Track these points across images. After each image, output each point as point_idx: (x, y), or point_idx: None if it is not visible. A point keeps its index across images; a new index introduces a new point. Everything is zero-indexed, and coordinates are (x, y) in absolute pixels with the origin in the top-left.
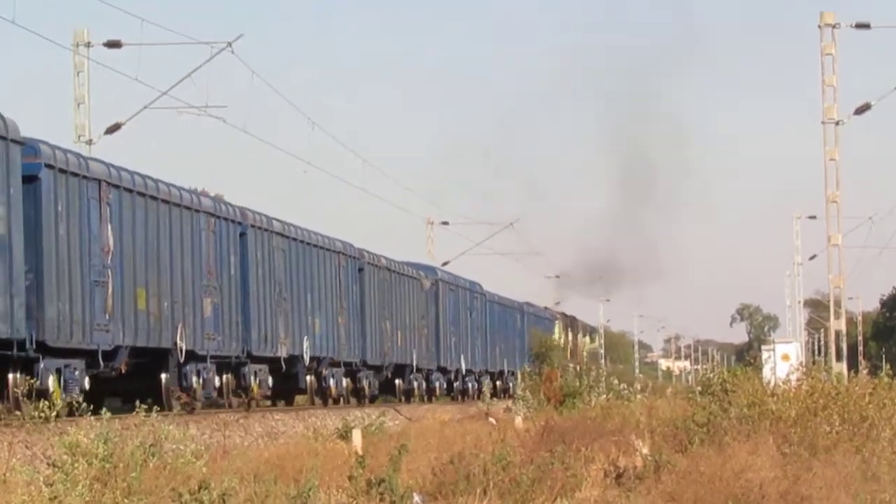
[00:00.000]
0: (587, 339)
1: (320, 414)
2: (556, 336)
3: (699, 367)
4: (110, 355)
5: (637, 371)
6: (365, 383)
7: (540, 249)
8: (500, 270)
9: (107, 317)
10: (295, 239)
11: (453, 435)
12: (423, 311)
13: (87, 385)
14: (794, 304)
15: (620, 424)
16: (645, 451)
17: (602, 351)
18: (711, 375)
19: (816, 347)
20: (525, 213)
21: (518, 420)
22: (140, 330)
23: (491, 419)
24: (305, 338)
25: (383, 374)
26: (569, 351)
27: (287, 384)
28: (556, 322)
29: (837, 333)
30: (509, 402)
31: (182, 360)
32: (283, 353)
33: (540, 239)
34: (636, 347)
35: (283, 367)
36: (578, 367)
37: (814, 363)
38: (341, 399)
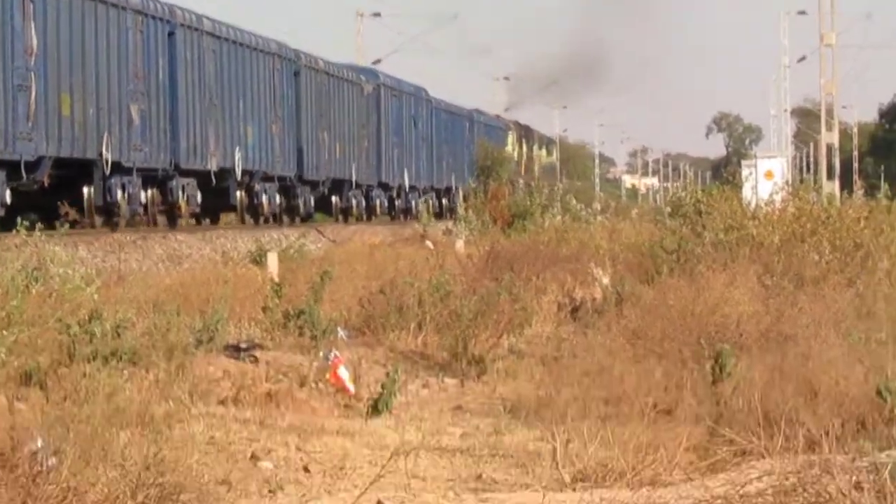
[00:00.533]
0: (543, 151)
1: (231, 234)
2: (509, 148)
3: (669, 184)
4: (32, 166)
5: (597, 189)
6: (300, 200)
7: (487, 47)
8: (442, 72)
9: (29, 124)
10: (227, 39)
11: (384, 260)
12: (364, 120)
13: (7, 199)
14: (780, 114)
15: (577, 250)
16: (605, 281)
17: (558, 165)
18: (683, 194)
19: (805, 164)
20: (469, 4)
21: (459, 244)
22: (64, 139)
23: (428, 242)
24: (237, 149)
25: (320, 191)
26: (523, 165)
27: (217, 200)
28: (510, 132)
29: (829, 147)
30: (449, 224)
31: (108, 172)
32: (213, 165)
33: (487, 35)
34: (596, 161)
35: (213, 181)
36: (531, 184)
37: (801, 182)
38: (273, 217)
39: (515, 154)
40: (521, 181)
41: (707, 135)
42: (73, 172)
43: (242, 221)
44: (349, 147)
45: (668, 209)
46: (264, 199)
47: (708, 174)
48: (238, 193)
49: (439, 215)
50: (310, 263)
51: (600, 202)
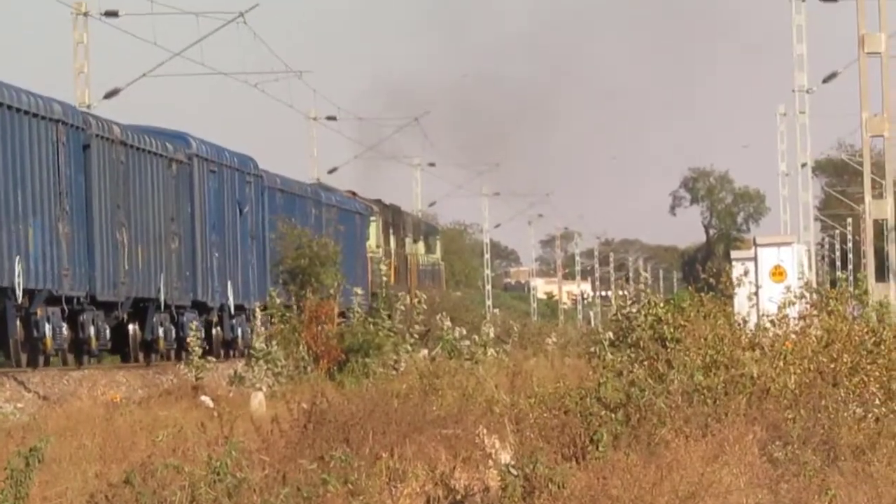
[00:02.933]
0: (420, 246)
1: None
2: (371, 242)
3: (610, 292)
4: None
5: (488, 302)
6: (91, 330)
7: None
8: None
9: None
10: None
11: (132, 429)
12: (174, 207)
13: None
14: (796, 171)
15: (458, 408)
16: (505, 457)
17: (442, 267)
18: (634, 310)
19: (838, 253)
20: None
21: (256, 400)
22: None
23: (205, 398)
24: (17, 259)
25: (116, 316)
26: (392, 267)
27: None
28: (373, 217)
29: (878, 224)
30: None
31: None
32: None
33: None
34: (486, 256)
35: None
36: (411, 296)
37: (834, 284)
38: (59, 355)
39: (380, 250)
40: (401, 294)
41: (673, 208)
42: None
43: (17, 364)
44: (155, 251)
45: (610, 335)
46: (47, 329)
47: (675, 275)
48: (16, 323)
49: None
50: (5, 437)
51: (494, 324)
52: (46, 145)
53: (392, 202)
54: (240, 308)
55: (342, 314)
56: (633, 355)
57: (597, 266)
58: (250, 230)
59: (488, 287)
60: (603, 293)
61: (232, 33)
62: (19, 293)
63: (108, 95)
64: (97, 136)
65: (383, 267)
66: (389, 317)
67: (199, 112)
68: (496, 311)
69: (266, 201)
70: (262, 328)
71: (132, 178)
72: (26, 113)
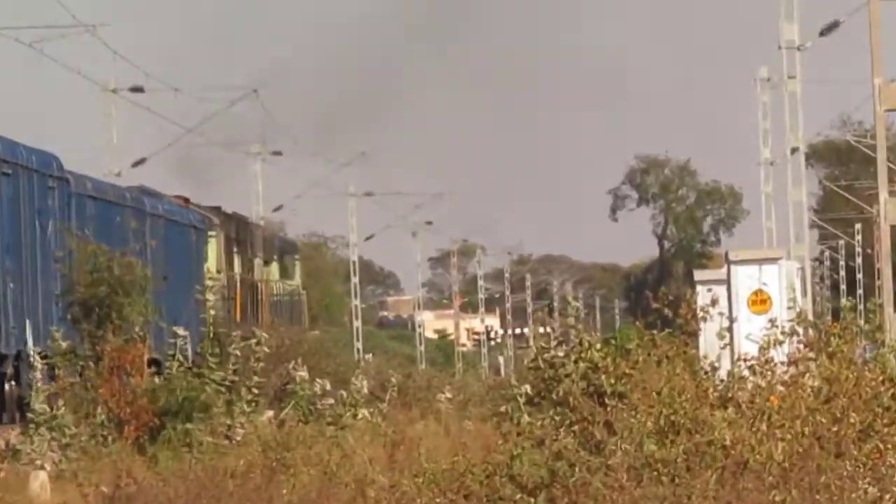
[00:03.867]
0: (273, 268)
1: None
2: (213, 264)
3: (527, 330)
4: None
5: (357, 344)
6: None
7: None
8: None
9: None
10: None
11: None
12: None
13: None
14: (785, 157)
15: (318, 491)
16: None
17: (303, 296)
18: (560, 354)
19: (840, 273)
20: None
21: (37, 483)
22: None
23: None
24: None
25: None
26: (237, 297)
27: None
28: (212, 232)
29: None
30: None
31: None
32: None
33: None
34: (353, 281)
35: None
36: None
37: (836, 316)
38: None
39: (222, 274)
40: (235, 334)
41: (614, 212)
42: None
43: None
44: None
45: (527, 388)
46: None
47: (617, 304)
48: None
49: None
50: None
51: (366, 375)
52: None
53: (233, 210)
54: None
55: (156, 362)
56: (559, 417)
57: (508, 293)
58: (54, 252)
59: (357, 323)
60: (517, 331)
61: None
62: None
63: (136, 164)
64: None
65: (210, 297)
66: (220, 364)
67: None
68: (369, 356)
69: (74, 212)
70: (43, 382)
71: None
72: None
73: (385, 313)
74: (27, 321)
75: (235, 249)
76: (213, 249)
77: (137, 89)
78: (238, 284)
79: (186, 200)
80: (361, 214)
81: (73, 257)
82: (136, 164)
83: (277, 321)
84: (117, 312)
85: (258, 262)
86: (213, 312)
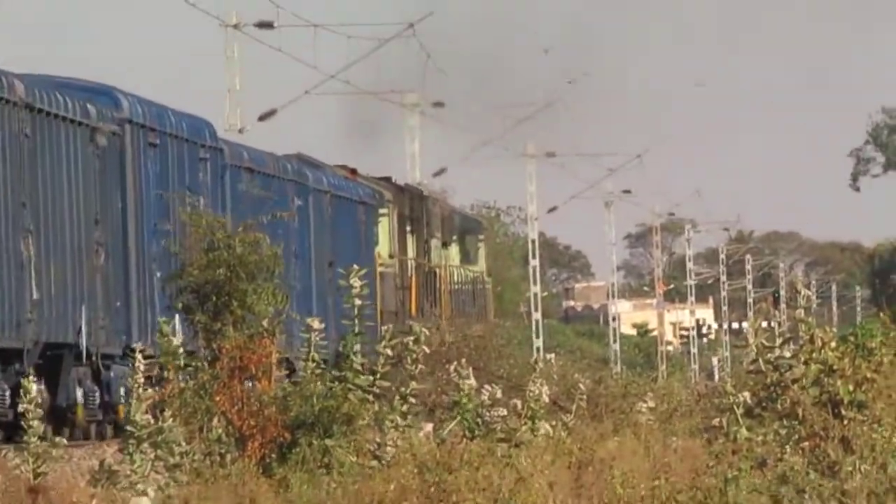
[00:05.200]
0: (454, 250)
1: None
2: (382, 245)
3: (746, 324)
4: None
5: (537, 341)
6: None
7: None
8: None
9: None
10: None
11: None
12: (98, 203)
13: None
14: None
15: None
16: None
17: (488, 284)
18: (787, 354)
19: None
20: None
21: None
22: None
23: None
24: None
25: (16, 371)
26: (412, 283)
27: None
28: (383, 209)
29: None
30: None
31: None
32: None
33: None
34: (533, 264)
35: None
36: (442, 329)
37: None
38: None
39: (392, 256)
40: (412, 325)
41: (854, 179)
42: None
43: None
44: (73, 270)
45: (746, 396)
46: None
47: (858, 291)
48: None
49: None
50: None
51: (548, 380)
52: None
53: (405, 182)
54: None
55: (287, 363)
56: (784, 431)
57: (724, 279)
58: (157, 225)
59: (537, 315)
60: (735, 325)
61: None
62: None
63: (263, 117)
64: None
65: (356, 283)
66: (365, 369)
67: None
68: (551, 356)
69: (228, 186)
70: (146, 388)
71: (41, 159)
72: None
73: (571, 303)
74: (176, 317)
75: (409, 229)
76: (385, 230)
77: (266, 25)
78: (413, 271)
79: (353, 172)
80: (543, 181)
81: (182, 232)
82: (264, 116)
83: (458, 312)
84: (239, 301)
85: (435, 243)
86: (358, 302)
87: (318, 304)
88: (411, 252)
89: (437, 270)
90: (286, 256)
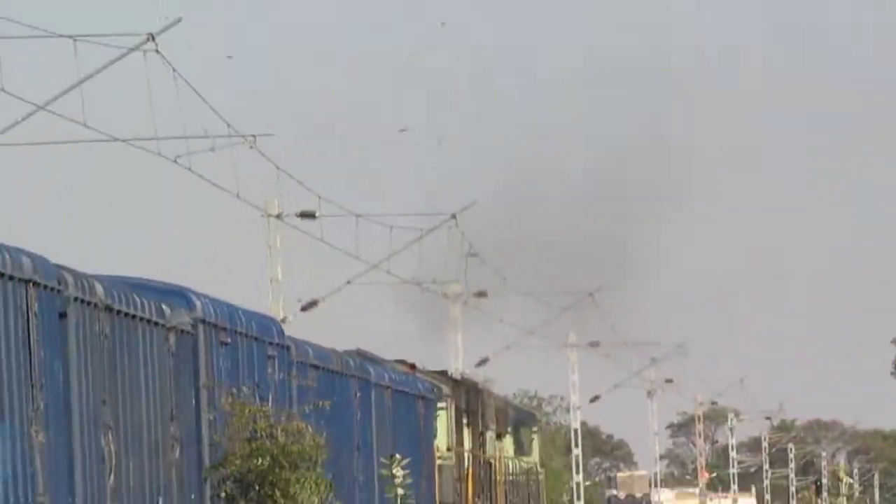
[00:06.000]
0: (507, 441)
1: None
2: (442, 440)
3: None
4: None
5: None
6: None
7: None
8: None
9: None
10: None
11: None
12: (173, 400)
13: None
14: None
15: None
16: None
17: (541, 477)
18: None
19: None
20: None
21: None
22: None
23: None
24: None
25: None
26: (469, 474)
27: None
28: (442, 403)
29: None
30: None
31: None
32: None
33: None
34: (576, 458)
35: None
36: None
37: None
38: None
39: (450, 448)
40: None
41: None
42: None
43: None
44: (150, 465)
45: None
46: None
47: None
48: None
49: None
50: None
51: None
52: (15, 316)
53: (461, 374)
54: None
55: None
56: None
57: (766, 467)
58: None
59: None
60: None
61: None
62: None
63: (306, 307)
64: (76, 299)
65: (399, 473)
66: None
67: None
68: None
69: (293, 383)
70: None
71: (119, 357)
72: None
73: (614, 492)
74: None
75: (466, 421)
76: (443, 423)
77: (308, 215)
78: (470, 463)
79: (412, 367)
80: (585, 370)
81: (225, 421)
82: (307, 306)
83: (513, 503)
84: (282, 490)
85: (490, 435)
86: (400, 491)
87: (379, 496)
88: (467, 444)
89: (492, 462)
90: (350, 449)
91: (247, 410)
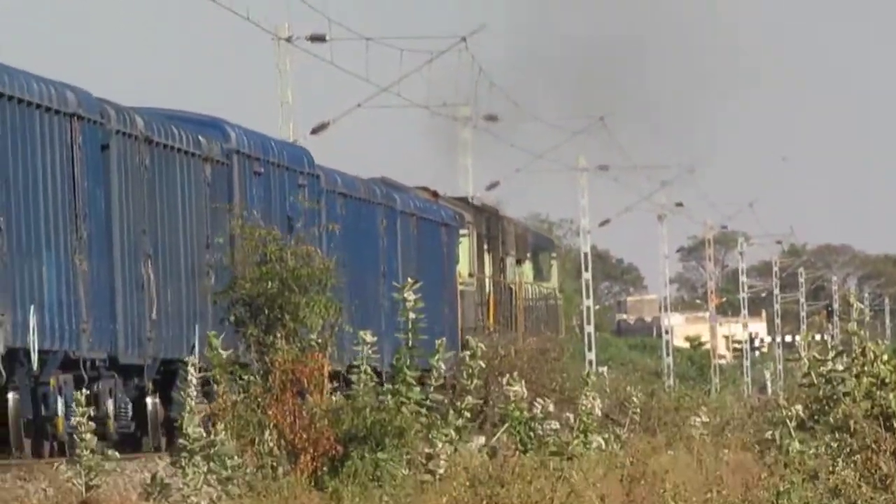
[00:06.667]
0: (526, 267)
1: None
2: (464, 266)
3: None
4: None
5: (589, 352)
6: (110, 406)
7: None
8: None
9: None
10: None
11: None
12: (209, 228)
13: None
14: None
15: None
16: None
17: (559, 300)
18: (839, 367)
19: None
20: None
21: None
22: None
23: None
24: (32, 309)
25: (136, 386)
26: (490, 300)
27: None
28: (464, 230)
29: None
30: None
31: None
32: (0, 343)
33: None
34: (585, 275)
35: (2, 374)
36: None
37: None
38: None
39: (472, 274)
40: (492, 334)
41: None
42: None
43: (19, 449)
44: (188, 291)
45: (798, 409)
46: (59, 405)
47: None
48: (13, 396)
49: None
50: None
51: (601, 393)
52: (60, 149)
53: (482, 202)
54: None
55: (341, 377)
56: (836, 444)
57: (776, 291)
58: (209, 237)
59: (589, 328)
60: (787, 338)
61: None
62: (34, 357)
63: (316, 130)
64: (118, 132)
65: (410, 297)
66: (419, 382)
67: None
68: (604, 369)
69: (324, 211)
70: (199, 401)
71: (159, 188)
72: (38, 106)
73: (624, 316)
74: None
75: (486, 248)
76: (465, 250)
77: (318, 38)
78: (491, 289)
79: (435, 194)
80: (595, 194)
81: (236, 244)
82: (317, 129)
83: (532, 328)
84: (291, 314)
85: (510, 261)
86: (412, 314)
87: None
88: (488, 270)
89: (513, 287)
90: (375, 276)
91: (256, 234)
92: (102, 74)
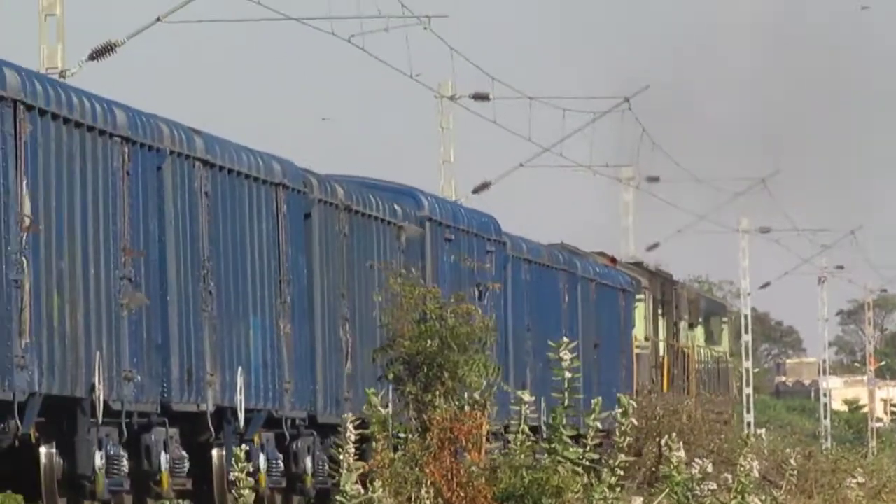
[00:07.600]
0: (698, 331)
1: None
2: (640, 330)
3: None
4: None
5: (748, 416)
6: (308, 463)
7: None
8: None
9: (23, 343)
10: (213, 165)
11: None
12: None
13: None
14: None
15: None
16: None
17: (728, 364)
18: None
19: None
20: None
21: None
22: (57, 365)
23: None
24: (240, 370)
25: (333, 444)
26: (664, 362)
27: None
28: (640, 295)
29: None
30: None
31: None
32: (210, 402)
33: None
34: (747, 335)
35: (212, 432)
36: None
37: None
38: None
39: (647, 338)
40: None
41: None
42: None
43: None
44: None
45: None
46: (261, 462)
47: None
48: (216, 453)
49: None
50: None
51: (758, 454)
52: (267, 217)
53: (657, 267)
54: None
55: (497, 435)
56: None
57: None
58: (373, 294)
59: (748, 390)
60: None
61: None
62: (241, 414)
63: (478, 189)
64: (320, 200)
65: (566, 356)
66: (577, 439)
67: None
68: (761, 431)
69: (510, 278)
70: (355, 458)
71: (356, 255)
72: (247, 176)
73: (783, 378)
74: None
75: (661, 312)
76: (641, 314)
77: (482, 97)
78: (665, 352)
79: (613, 260)
80: (756, 256)
81: (392, 302)
82: (479, 188)
83: (704, 391)
84: (450, 372)
85: (683, 325)
86: (567, 374)
87: (584, 382)
88: (662, 334)
89: (686, 351)
90: (556, 339)
91: (416, 292)
92: (270, 132)
